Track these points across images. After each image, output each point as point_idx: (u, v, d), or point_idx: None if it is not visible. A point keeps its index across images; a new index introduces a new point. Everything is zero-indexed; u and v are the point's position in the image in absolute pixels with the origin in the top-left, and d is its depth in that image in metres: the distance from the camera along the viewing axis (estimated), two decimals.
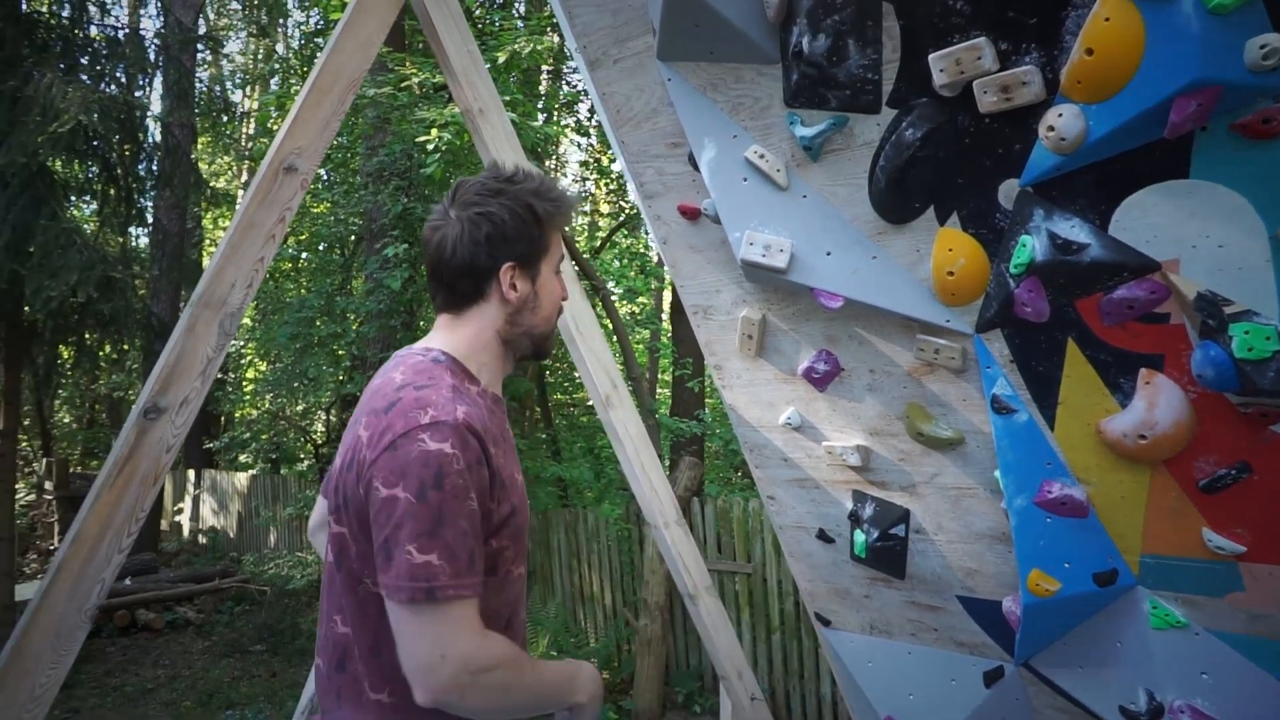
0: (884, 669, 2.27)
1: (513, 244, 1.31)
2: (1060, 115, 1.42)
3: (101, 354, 6.27)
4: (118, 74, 5.56)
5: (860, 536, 2.13)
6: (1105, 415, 1.62)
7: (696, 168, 1.94)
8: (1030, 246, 1.54)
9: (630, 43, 1.96)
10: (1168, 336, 1.50)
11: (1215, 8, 1.20)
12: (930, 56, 1.53)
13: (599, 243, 8.37)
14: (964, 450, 1.88)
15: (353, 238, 7.33)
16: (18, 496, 12.27)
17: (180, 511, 12.45)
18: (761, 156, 1.82)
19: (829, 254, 1.81)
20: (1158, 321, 1.50)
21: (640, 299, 9.45)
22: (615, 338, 5.98)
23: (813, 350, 2.01)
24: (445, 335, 1.35)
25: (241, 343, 11.23)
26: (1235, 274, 1.39)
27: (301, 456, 12.02)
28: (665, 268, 2.42)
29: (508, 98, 4.57)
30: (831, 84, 1.66)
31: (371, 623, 1.20)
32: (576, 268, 5.81)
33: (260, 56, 16.82)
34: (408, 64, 4.93)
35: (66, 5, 5.31)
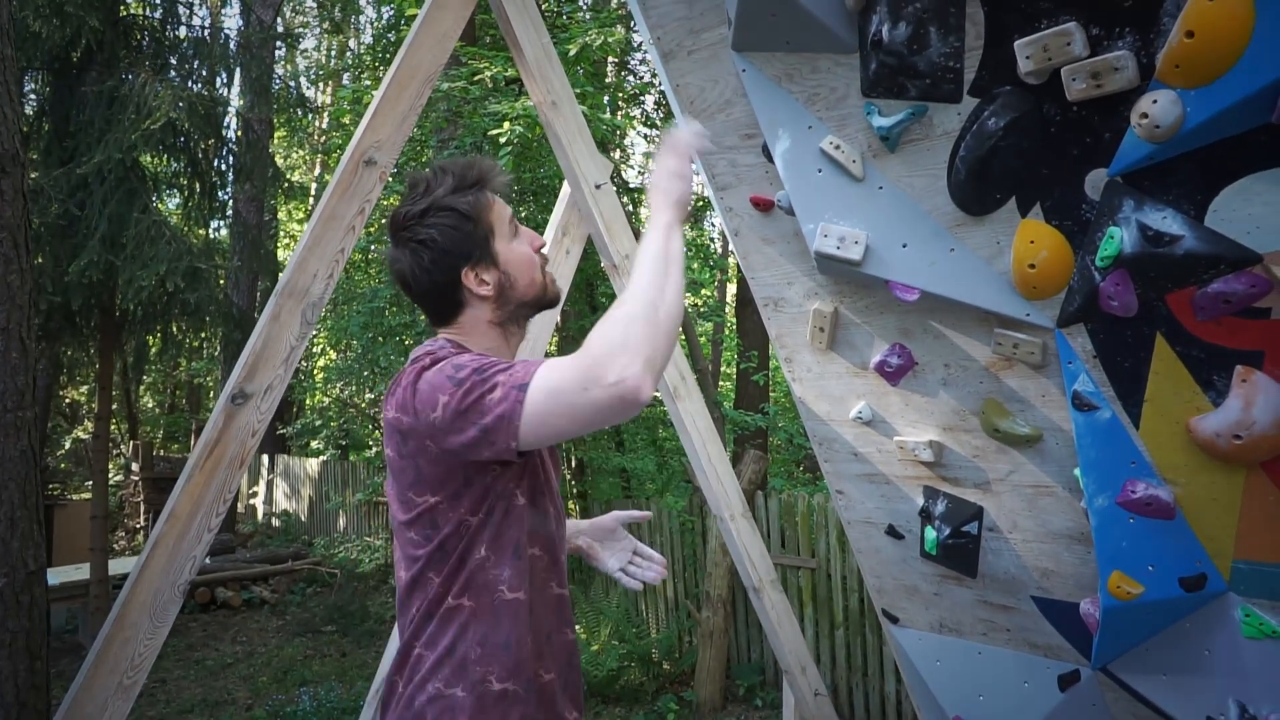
0: (953, 668, 2.24)
1: (457, 252, 1.36)
2: (1155, 102, 1.37)
3: (186, 342, 6.55)
4: (202, 72, 5.78)
5: (931, 533, 2.09)
6: (1196, 414, 1.56)
7: (770, 159, 1.93)
8: (1119, 238, 1.49)
9: (705, 34, 1.95)
10: (1269, 332, 1.44)
11: None
12: (1016, 43, 1.49)
13: None
14: (1042, 448, 1.83)
15: None
16: (108, 477, 12.91)
17: (255, 495, 12.91)
18: (837, 147, 1.80)
19: (905, 246, 1.78)
20: (1258, 317, 1.44)
21: (704, 291, 9.43)
22: (680, 329, 5.97)
23: (886, 344, 1.98)
24: (450, 333, 1.43)
25: (315, 331, 11.55)
26: None
27: (370, 444, 12.34)
28: (732, 259, 2.40)
29: (578, 89, 4.60)
30: (911, 73, 1.63)
31: (432, 618, 1.28)
32: None
33: (334, 52, 17.26)
34: (479, 57, 5.00)
35: (159, 8, 5.54)
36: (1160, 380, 1.60)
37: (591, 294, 6.68)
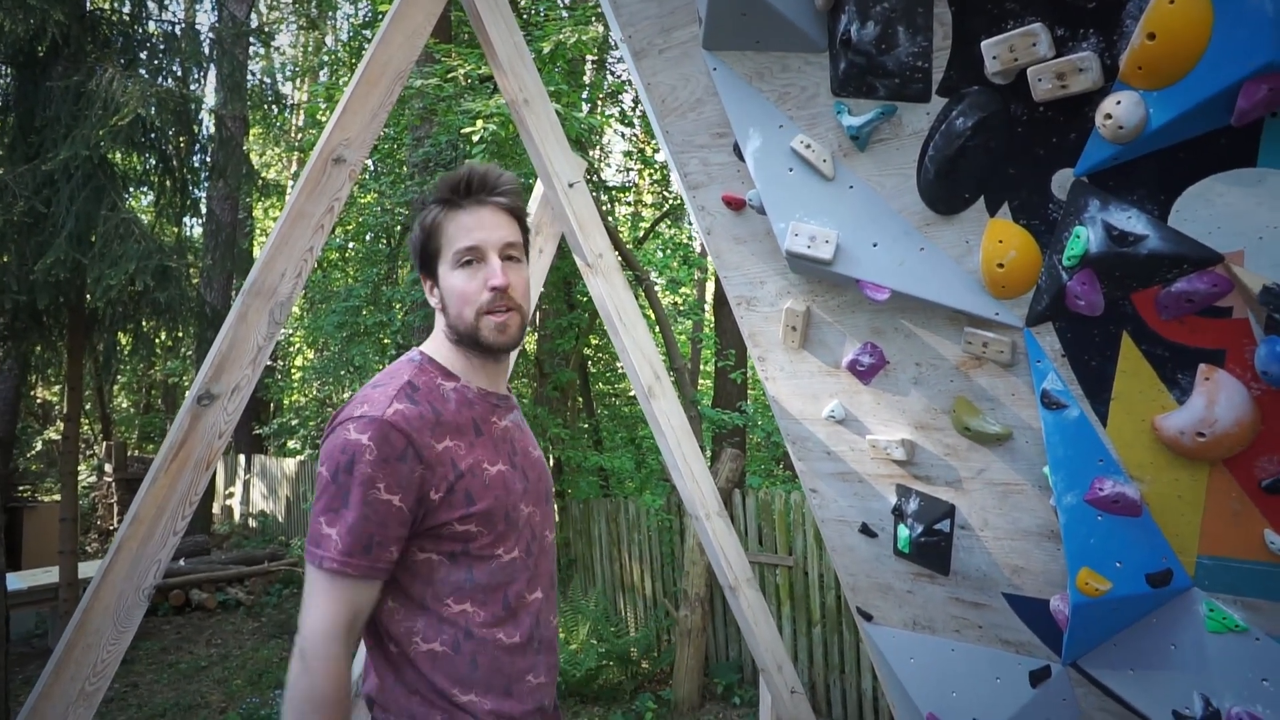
0: (926, 666, 2.25)
1: (417, 257, 1.45)
2: (1119, 103, 1.38)
3: (158, 341, 6.46)
4: (174, 68, 5.70)
5: (904, 531, 2.10)
6: (1161, 412, 1.58)
7: (742, 158, 1.92)
8: (1084, 238, 1.50)
9: (676, 32, 1.94)
10: (1230, 331, 1.45)
11: None
12: (983, 43, 1.49)
13: (642, 233, 8.36)
14: (1012, 445, 1.85)
15: (399, 227, 7.42)
16: (79, 479, 12.73)
17: (231, 495, 12.77)
18: (808, 146, 1.80)
19: (876, 245, 1.78)
20: (1219, 316, 1.45)
21: (683, 289, 9.43)
22: (658, 328, 5.97)
23: (858, 343, 1.98)
24: (431, 337, 1.48)
25: (290, 331, 11.46)
26: None
27: None
28: (709, 258, 2.41)
29: (552, 88, 4.58)
30: (880, 72, 1.64)
31: (396, 640, 1.35)
32: (620, 258, 5.82)
33: (310, 49, 17.10)
34: (453, 55, 4.96)
35: (127, 2, 5.45)
36: (1126, 379, 1.61)
37: (569, 292, 6.66)
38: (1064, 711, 2.00)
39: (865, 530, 2.23)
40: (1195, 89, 1.28)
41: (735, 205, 2.02)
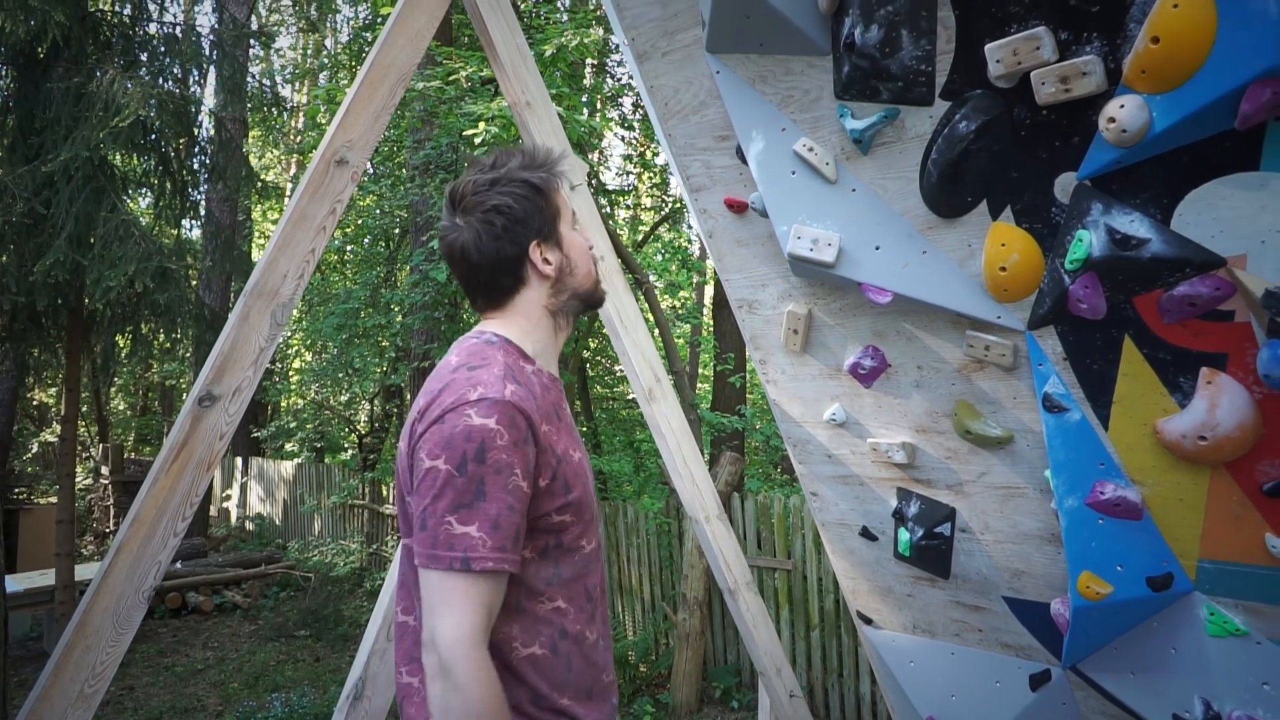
0: (926, 669, 2.25)
1: (529, 223, 1.32)
2: (1122, 106, 1.38)
3: (156, 343, 6.45)
4: (174, 70, 5.70)
5: (905, 535, 2.10)
6: (1163, 415, 1.58)
7: (744, 161, 1.93)
8: (1087, 241, 1.50)
9: (679, 35, 1.95)
10: (1232, 335, 1.46)
11: None
12: (987, 47, 1.50)
13: (641, 236, 8.36)
14: (1013, 449, 1.85)
15: (398, 230, 7.43)
16: (75, 481, 12.68)
17: (229, 498, 12.75)
18: (810, 149, 1.80)
19: (878, 248, 1.78)
20: (1222, 319, 1.46)
21: (682, 293, 9.43)
22: (658, 331, 5.98)
23: (859, 346, 1.98)
24: (498, 323, 1.36)
25: (289, 333, 11.46)
26: None
27: (345, 446, 12.23)
28: (708, 261, 2.41)
29: (554, 91, 4.58)
30: (883, 76, 1.64)
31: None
32: (620, 261, 5.82)
33: (310, 51, 17.11)
34: (454, 57, 4.96)
35: (128, 4, 5.45)
36: (1128, 382, 1.62)
37: None
38: (1064, 715, 1.99)
39: (866, 533, 2.23)
40: (1199, 93, 1.28)
41: (737, 208, 2.02)
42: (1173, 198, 1.44)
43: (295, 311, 12.28)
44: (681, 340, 10.36)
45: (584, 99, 7.40)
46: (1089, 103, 1.45)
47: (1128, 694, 1.80)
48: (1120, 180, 1.48)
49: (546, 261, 1.34)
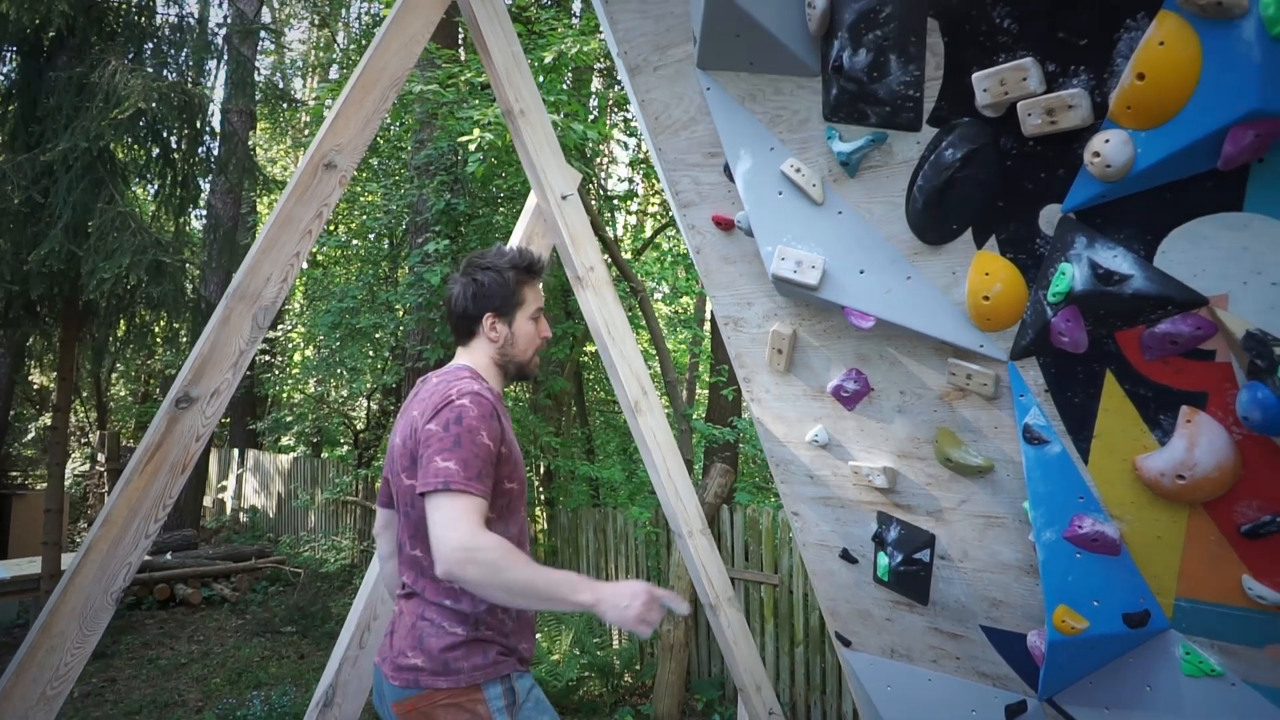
0: (903, 694, 2.23)
1: (491, 300, 1.84)
2: (1107, 141, 1.37)
3: (156, 330, 6.45)
4: (180, 61, 5.69)
5: (884, 559, 2.09)
6: (1143, 452, 1.56)
7: (732, 179, 1.91)
8: (1070, 275, 1.49)
9: (671, 50, 1.94)
10: (1212, 374, 1.44)
11: (1279, 35, 1.14)
12: (974, 76, 1.49)
13: (642, 244, 8.35)
14: (993, 478, 1.83)
15: (402, 228, 7.42)
16: (73, 467, 12.67)
17: (224, 489, 12.74)
18: (798, 170, 1.79)
19: (862, 272, 1.77)
20: (1202, 358, 1.44)
21: (684, 299, 9.42)
22: (652, 341, 5.96)
23: (843, 368, 1.97)
24: (464, 358, 1.89)
25: (290, 326, 11.45)
26: None
27: (342, 441, 12.22)
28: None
29: (552, 98, 4.57)
30: (871, 100, 1.63)
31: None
32: (614, 269, 5.80)
33: (321, 46, 17.12)
34: (457, 59, 4.95)
35: None
36: (1109, 417, 1.60)
37: (565, 301, 6.65)
38: None
39: (846, 556, 2.22)
40: (1183, 131, 1.27)
41: (725, 226, 2.01)
42: (1156, 235, 1.42)
43: (296, 305, 12.28)
44: (683, 347, 10.34)
45: (592, 103, 7.39)
46: (1075, 136, 1.44)
47: None
48: (1104, 215, 1.46)
49: (494, 329, 1.85)
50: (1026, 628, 1.90)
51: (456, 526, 1.49)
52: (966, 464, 1.84)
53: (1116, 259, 1.45)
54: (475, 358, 1.86)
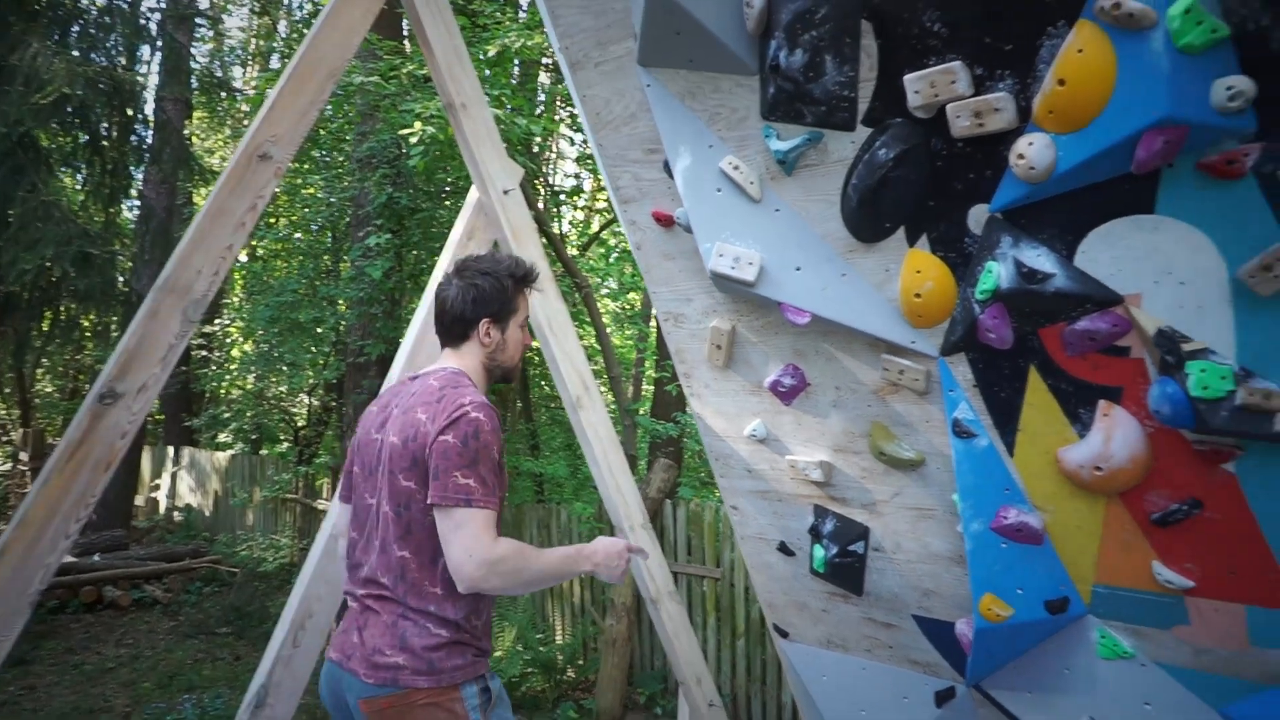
0: (838, 683, 2.28)
1: (489, 305, 1.86)
2: (1031, 144, 1.42)
3: (85, 324, 6.20)
4: (109, 45, 5.48)
5: (820, 551, 2.13)
6: (1064, 444, 1.62)
7: (672, 175, 1.93)
8: (996, 273, 1.53)
9: (612, 46, 1.94)
10: (1128, 370, 1.50)
11: (1184, 46, 1.20)
12: (906, 78, 1.52)
13: (587, 240, 8.34)
14: (925, 471, 1.88)
15: (345, 221, 7.28)
16: None
17: (157, 488, 12.34)
18: (736, 168, 1.81)
19: (799, 269, 1.80)
20: (1119, 355, 1.50)
21: (631, 294, 9.43)
22: (596, 335, 5.95)
23: (780, 364, 2.00)
24: (452, 360, 1.89)
25: (228, 320, 11.14)
26: (1195, 312, 1.39)
27: (282, 438, 11.94)
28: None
29: (496, 92, 4.53)
30: (807, 99, 1.66)
31: (429, 545, 1.69)
32: (559, 265, 5.78)
33: (261, 34, 16.67)
34: (397, 52, 4.88)
35: None
36: (1033, 411, 1.66)
37: None
38: None
39: (783, 549, 2.25)
40: (1100, 136, 1.32)
41: (665, 222, 2.02)
42: (1077, 235, 1.48)
43: (235, 299, 11.94)
44: (630, 342, 10.35)
45: (540, 98, 7.35)
46: (1001, 138, 1.48)
47: (1025, 711, 1.85)
48: (1029, 215, 1.51)
49: (488, 335, 1.88)
50: (955, 616, 1.95)
51: (480, 542, 1.59)
52: (899, 457, 1.89)
53: (1040, 258, 1.50)
54: (465, 361, 1.87)
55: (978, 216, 1.59)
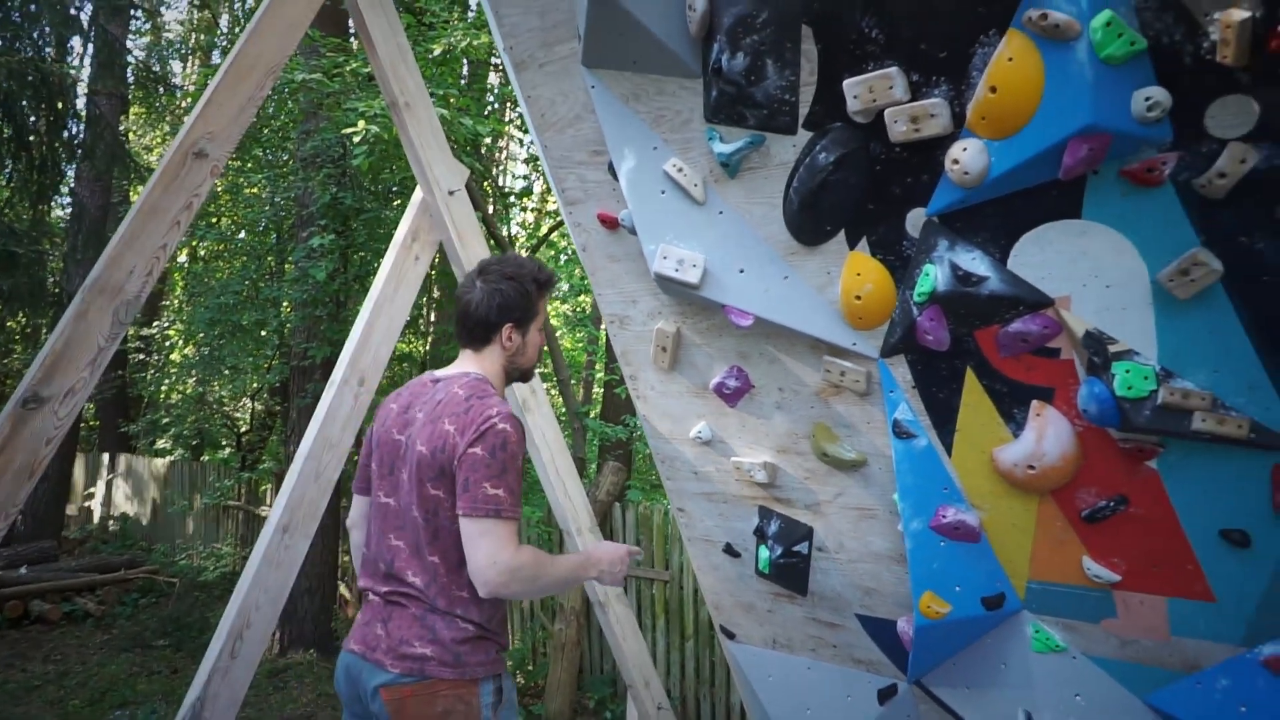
0: (784, 683, 2.30)
1: (513, 310, 1.87)
2: (965, 149, 1.45)
3: (13, 326, 5.96)
4: (36, 36, 5.28)
5: (765, 552, 2.14)
6: (999, 444, 1.66)
7: (617, 177, 1.93)
8: (933, 276, 1.57)
9: (557, 47, 1.94)
10: (1058, 371, 1.55)
11: (1106, 57, 1.24)
12: (845, 82, 1.54)
13: (536, 241, 8.29)
14: (866, 472, 1.91)
15: (290, 222, 7.12)
16: None
17: (91, 496, 11.93)
18: (680, 170, 1.82)
19: (742, 271, 1.81)
20: (1050, 356, 1.55)
21: (581, 297, 9.40)
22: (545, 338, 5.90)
23: (725, 365, 2.01)
24: (473, 364, 1.89)
25: (168, 323, 10.82)
26: (1120, 314, 1.43)
27: (224, 443, 11.64)
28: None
29: (441, 91, 4.48)
30: (749, 102, 1.67)
31: (454, 551, 1.73)
32: None
33: (201, 28, 16.24)
34: (342, 49, 4.79)
35: None
36: (969, 411, 1.70)
37: None
38: None
39: (729, 550, 2.27)
40: (1029, 142, 1.36)
41: (610, 224, 2.02)
42: (1010, 239, 1.52)
43: (175, 301, 11.57)
44: (580, 346, 10.32)
45: (491, 99, 7.28)
46: (937, 143, 1.51)
47: (963, 707, 1.89)
48: (964, 219, 1.55)
49: (510, 339, 1.89)
50: (897, 614, 1.98)
51: (504, 551, 1.65)
52: (841, 458, 1.91)
53: (974, 261, 1.53)
54: (486, 365, 1.89)
55: (915, 220, 1.62)
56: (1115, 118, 1.27)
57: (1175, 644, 1.55)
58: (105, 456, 11.72)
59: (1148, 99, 1.24)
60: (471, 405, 1.74)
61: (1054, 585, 1.68)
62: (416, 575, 1.78)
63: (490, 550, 1.65)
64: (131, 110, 12.71)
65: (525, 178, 8.76)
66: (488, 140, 7.02)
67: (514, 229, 8.63)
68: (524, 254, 7.76)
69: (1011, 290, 1.52)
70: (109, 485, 11.61)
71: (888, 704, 2.07)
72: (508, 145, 10.03)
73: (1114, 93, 1.25)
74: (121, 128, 9.44)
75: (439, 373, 1.92)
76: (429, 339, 8.21)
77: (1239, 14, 1.13)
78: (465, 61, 6.13)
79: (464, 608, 1.74)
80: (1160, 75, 1.25)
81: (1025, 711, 1.76)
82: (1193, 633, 1.52)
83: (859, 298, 1.72)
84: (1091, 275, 1.43)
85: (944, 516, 1.75)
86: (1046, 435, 1.56)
